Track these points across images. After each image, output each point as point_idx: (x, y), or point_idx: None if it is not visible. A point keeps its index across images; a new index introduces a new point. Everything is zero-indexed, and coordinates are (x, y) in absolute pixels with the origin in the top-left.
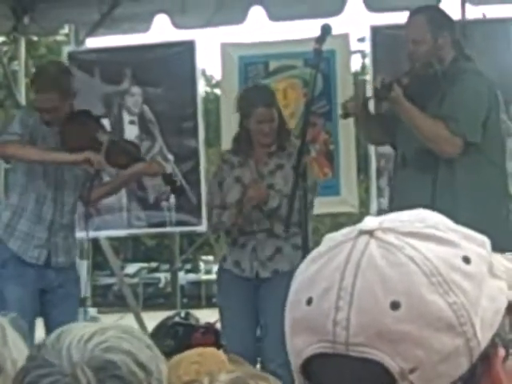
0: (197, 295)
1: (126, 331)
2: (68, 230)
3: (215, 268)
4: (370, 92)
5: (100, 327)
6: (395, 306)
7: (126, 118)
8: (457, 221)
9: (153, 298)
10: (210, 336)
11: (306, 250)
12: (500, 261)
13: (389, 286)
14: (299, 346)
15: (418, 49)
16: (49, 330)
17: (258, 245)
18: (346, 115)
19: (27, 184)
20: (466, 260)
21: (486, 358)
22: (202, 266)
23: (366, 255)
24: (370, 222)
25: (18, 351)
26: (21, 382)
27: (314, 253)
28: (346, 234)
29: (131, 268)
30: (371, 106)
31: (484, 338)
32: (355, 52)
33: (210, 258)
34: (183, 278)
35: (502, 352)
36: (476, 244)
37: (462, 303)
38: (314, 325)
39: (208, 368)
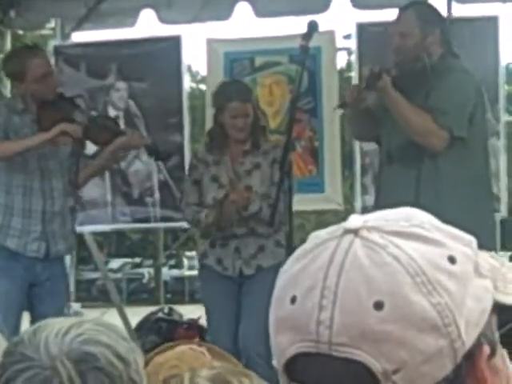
0: (180, 291)
1: (101, 324)
2: (63, 217)
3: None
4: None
5: (76, 321)
6: (379, 306)
7: (112, 112)
8: (441, 217)
9: (136, 294)
10: (193, 332)
11: (290, 248)
12: (486, 259)
13: (372, 286)
14: (283, 345)
15: (404, 42)
16: (34, 323)
17: (241, 244)
18: (342, 105)
19: (10, 180)
20: (452, 260)
21: (471, 357)
22: (185, 261)
23: (350, 254)
24: (354, 220)
25: None
26: None
27: (299, 251)
28: (331, 232)
29: (115, 263)
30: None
31: (469, 338)
32: (341, 49)
33: (194, 253)
34: (167, 273)
35: (486, 349)
36: (462, 243)
37: (447, 304)
38: (297, 324)
39: (188, 367)
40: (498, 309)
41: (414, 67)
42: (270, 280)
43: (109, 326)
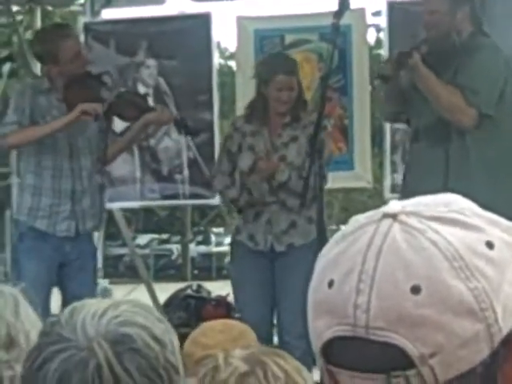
0: (207, 267)
1: (137, 305)
2: (92, 195)
3: (226, 240)
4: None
5: (112, 302)
6: (416, 290)
7: (141, 90)
8: (470, 197)
9: (163, 270)
10: (221, 309)
11: (321, 224)
12: None
13: (410, 271)
14: (320, 329)
15: (433, 19)
16: (66, 302)
17: (272, 217)
18: (383, 77)
19: (39, 161)
20: (490, 245)
21: (508, 343)
22: (213, 238)
23: (389, 238)
24: (393, 205)
25: (30, 323)
26: (36, 359)
27: (338, 234)
28: (369, 216)
29: (142, 239)
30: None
31: (506, 323)
32: (370, 26)
33: (221, 230)
34: (194, 249)
35: None
36: (500, 229)
37: (484, 288)
38: (334, 307)
39: (230, 327)
40: None
41: (444, 45)
42: (303, 259)
43: (145, 307)
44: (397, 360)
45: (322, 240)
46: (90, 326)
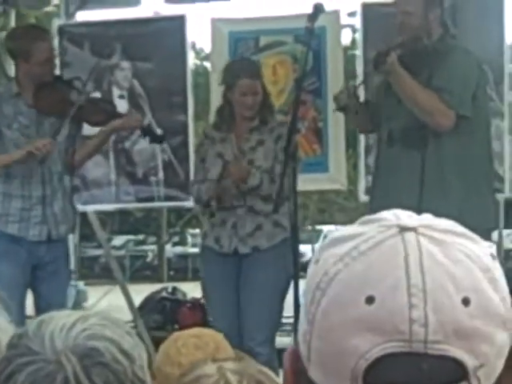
0: (184, 268)
1: (106, 318)
2: (63, 199)
3: None
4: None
5: (81, 315)
6: (466, 302)
7: (116, 92)
8: (445, 198)
9: (140, 271)
10: (197, 311)
11: (294, 229)
12: None
13: (457, 283)
14: (359, 348)
15: (408, 20)
16: (37, 305)
17: (238, 221)
18: (340, 109)
19: (8, 168)
20: (493, 257)
21: None
22: (189, 238)
23: (424, 252)
24: (407, 218)
25: (2, 331)
26: (3, 371)
27: (346, 248)
28: (381, 231)
29: (118, 240)
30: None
31: None
32: (345, 26)
33: (197, 231)
34: (170, 250)
35: None
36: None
37: (506, 299)
38: (380, 325)
39: (205, 341)
40: None
41: (417, 47)
42: (268, 262)
43: (114, 320)
44: (451, 373)
45: (295, 243)
46: (58, 339)
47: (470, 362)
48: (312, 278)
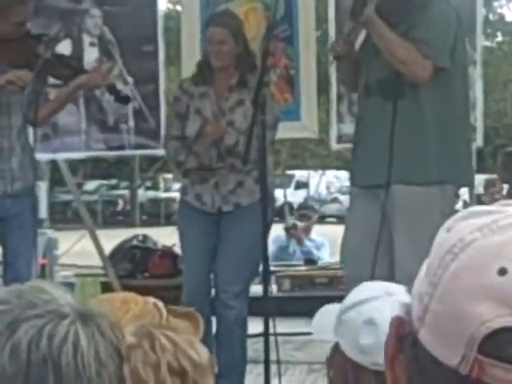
0: (156, 213)
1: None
2: (22, 154)
3: (175, 186)
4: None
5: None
6: None
7: (87, 39)
8: (422, 147)
9: (112, 216)
10: (167, 260)
11: (264, 186)
12: None
13: None
14: (484, 316)
15: None
16: (5, 257)
17: (220, 180)
18: (337, 58)
19: None
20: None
21: None
22: (161, 183)
23: None
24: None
25: None
26: None
27: (484, 220)
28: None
29: (91, 185)
30: None
31: None
32: None
33: (170, 176)
34: (143, 195)
35: None
36: None
37: None
38: (508, 297)
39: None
40: None
41: None
42: (249, 218)
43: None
44: None
45: (264, 201)
46: None
47: None
48: (442, 244)
